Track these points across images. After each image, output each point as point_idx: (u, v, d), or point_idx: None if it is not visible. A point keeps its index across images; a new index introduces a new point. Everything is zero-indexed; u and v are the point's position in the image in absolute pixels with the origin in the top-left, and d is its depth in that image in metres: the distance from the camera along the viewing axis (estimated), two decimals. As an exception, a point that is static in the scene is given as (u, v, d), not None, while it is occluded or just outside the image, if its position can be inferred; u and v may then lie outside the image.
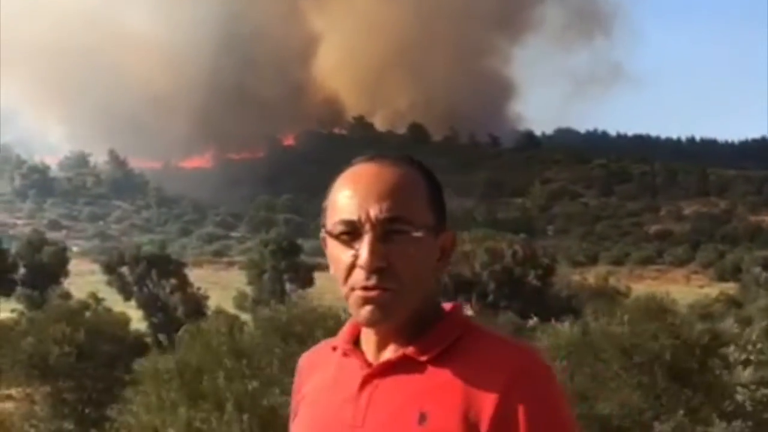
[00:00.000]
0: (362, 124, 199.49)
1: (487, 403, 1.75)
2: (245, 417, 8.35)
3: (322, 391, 1.89)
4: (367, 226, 1.79)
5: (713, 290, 65.79)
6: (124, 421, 13.30)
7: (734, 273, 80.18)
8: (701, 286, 79.35)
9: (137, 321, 36.15)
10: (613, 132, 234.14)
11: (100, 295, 44.57)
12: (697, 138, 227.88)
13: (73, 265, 62.66)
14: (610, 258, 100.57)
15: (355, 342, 1.91)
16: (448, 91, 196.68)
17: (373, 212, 1.80)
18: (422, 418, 1.76)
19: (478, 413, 1.75)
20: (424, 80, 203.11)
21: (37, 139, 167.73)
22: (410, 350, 1.83)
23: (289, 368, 13.26)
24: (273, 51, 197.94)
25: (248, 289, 52.11)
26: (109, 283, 50.76)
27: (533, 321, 28.65)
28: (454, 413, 1.75)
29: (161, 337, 37.86)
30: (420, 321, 1.83)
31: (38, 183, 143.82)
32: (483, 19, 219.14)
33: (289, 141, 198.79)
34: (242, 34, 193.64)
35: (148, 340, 30.41)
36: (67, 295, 43.84)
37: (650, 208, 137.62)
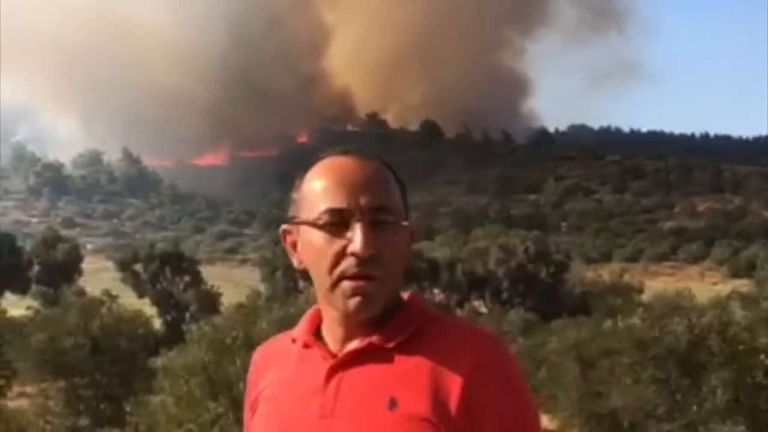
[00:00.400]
0: (375, 121, 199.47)
1: (455, 385, 1.79)
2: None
3: (284, 385, 1.89)
4: (358, 215, 1.80)
5: (727, 287, 65.53)
6: (149, 413, 13.38)
7: (748, 270, 79.84)
8: (715, 283, 79.13)
9: (151, 318, 36.25)
10: (626, 128, 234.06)
11: (114, 292, 44.69)
12: (711, 134, 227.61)
13: (87, 263, 62.90)
14: (624, 255, 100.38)
15: (316, 333, 1.92)
16: (461, 87, 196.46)
17: (363, 201, 1.81)
18: (392, 403, 1.80)
19: (447, 396, 1.79)
20: (437, 76, 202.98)
21: (50, 136, 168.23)
22: (376, 338, 1.84)
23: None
24: (285, 48, 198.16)
25: (261, 287, 52.18)
26: (123, 281, 50.87)
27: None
28: (424, 397, 1.79)
29: (174, 333, 38.00)
30: (384, 310, 1.86)
31: (52, 181, 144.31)
32: (496, 15, 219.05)
33: (302, 138, 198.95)
34: (255, 32, 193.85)
35: (162, 336, 30.52)
36: (81, 293, 44.04)
37: (664, 204, 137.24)
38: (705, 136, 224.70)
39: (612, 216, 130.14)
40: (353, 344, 1.85)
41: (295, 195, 1.91)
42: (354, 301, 1.80)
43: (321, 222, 1.82)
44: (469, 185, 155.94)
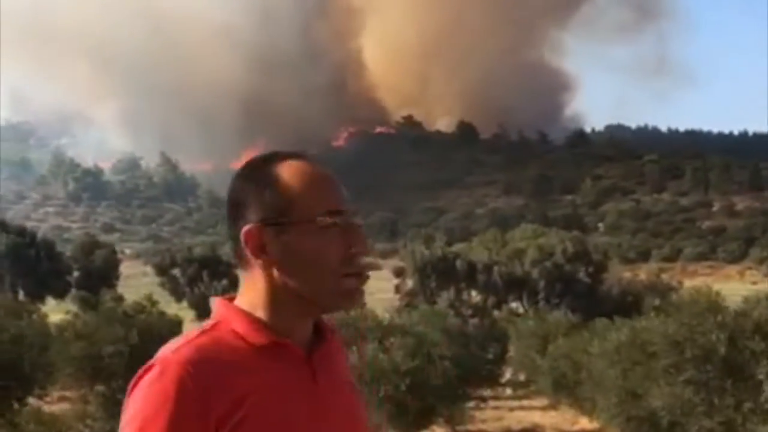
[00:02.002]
0: (410, 123, 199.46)
1: (346, 359, 2.05)
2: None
3: (270, 391, 1.83)
4: (354, 216, 1.91)
5: (767, 286, 64.90)
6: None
7: (789, 268, 79.11)
8: (755, 282, 78.39)
9: (189, 322, 36.47)
10: (664, 127, 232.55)
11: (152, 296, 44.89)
12: (750, 132, 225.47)
13: (126, 267, 63.38)
14: (663, 255, 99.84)
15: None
16: (496, 87, 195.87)
17: (349, 203, 1.92)
18: (353, 387, 2.01)
19: (350, 371, 2.04)
20: (472, 76, 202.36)
21: (90, 142, 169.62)
22: (335, 330, 1.99)
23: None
24: (319, 51, 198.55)
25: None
26: (162, 285, 51.21)
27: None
28: (351, 375, 2.03)
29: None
30: None
31: (91, 187, 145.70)
32: (531, 13, 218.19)
33: (338, 142, 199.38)
34: (290, 35, 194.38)
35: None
36: (119, 298, 44.32)
37: (703, 203, 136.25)
38: (743, 135, 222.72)
39: (650, 216, 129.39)
40: (305, 336, 1.91)
41: (265, 197, 1.87)
42: (357, 297, 1.89)
43: (327, 222, 1.85)
44: (506, 186, 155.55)
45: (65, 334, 16.86)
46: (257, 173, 1.91)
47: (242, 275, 1.92)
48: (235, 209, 1.91)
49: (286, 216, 1.86)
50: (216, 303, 1.93)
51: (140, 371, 1.80)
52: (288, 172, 1.88)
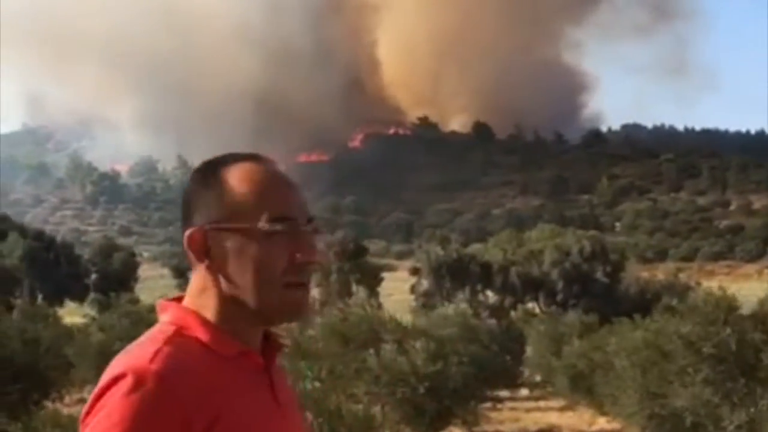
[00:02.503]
0: (426, 124, 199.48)
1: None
2: (309, 415, 8.41)
3: (245, 403, 1.77)
4: (303, 223, 1.81)
5: (787, 285, 64.53)
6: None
7: (808, 267, 78.70)
8: (774, 281, 77.99)
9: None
10: (681, 126, 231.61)
11: (170, 299, 44.94)
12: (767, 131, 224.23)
13: (144, 270, 63.59)
14: (680, 254, 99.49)
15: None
16: (511, 86, 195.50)
17: (304, 211, 1.83)
18: (297, 402, 1.98)
19: None
20: (487, 75, 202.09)
21: (107, 146, 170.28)
22: (277, 339, 1.91)
23: (349, 372, 13.34)
24: (334, 52, 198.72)
25: (315, 291, 52.38)
26: (179, 287, 51.36)
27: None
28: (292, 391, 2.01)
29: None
30: None
31: (109, 190, 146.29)
32: (546, 12, 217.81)
33: (354, 143, 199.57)
34: (303, 34, 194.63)
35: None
36: (136, 300, 44.44)
37: (720, 203, 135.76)
38: (761, 134, 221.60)
39: (667, 215, 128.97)
40: (258, 342, 1.85)
41: (213, 200, 1.80)
42: (302, 307, 1.81)
43: (270, 229, 1.77)
44: (522, 186, 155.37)
45: (88, 329, 16.94)
46: (207, 175, 1.83)
47: (192, 276, 1.85)
48: (184, 211, 1.84)
49: (229, 221, 1.78)
50: (165, 306, 1.83)
51: (107, 380, 1.67)
52: (236, 175, 1.80)
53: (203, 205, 1.81)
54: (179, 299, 1.85)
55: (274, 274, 1.76)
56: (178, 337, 1.75)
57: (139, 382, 1.64)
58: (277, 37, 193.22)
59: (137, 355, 1.69)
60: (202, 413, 1.68)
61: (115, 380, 1.65)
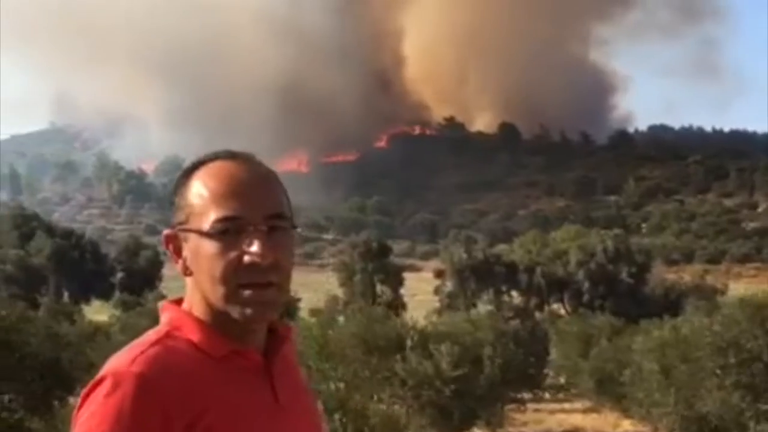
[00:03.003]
0: (452, 124, 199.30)
1: (298, 360, 1.99)
2: (336, 416, 8.39)
3: (229, 407, 1.76)
4: (254, 223, 1.76)
5: (815, 288, 63.97)
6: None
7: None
8: (802, 284, 77.34)
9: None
10: (708, 127, 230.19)
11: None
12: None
13: (169, 269, 63.73)
14: (707, 256, 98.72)
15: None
16: (537, 86, 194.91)
17: (259, 209, 1.77)
18: (309, 390, 1.97)
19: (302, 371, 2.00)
20: (513, 74, 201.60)
21: (134, 145, 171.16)
22: (290, 337, 1.91)
23: (373, 375, 13.32)
24: (360, 52, 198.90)
25: (339, 291, 52.38)
26: (204, 286, 51.46)
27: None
28: (303, 376, 2.00)
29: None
30: None
31: (135, 189, 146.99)
32: (574, 11, 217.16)
33: (380, 143, 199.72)
34: (332, 38, 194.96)
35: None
36: (163, 298, 44.90)
37: (748, 204, 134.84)
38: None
39: (694, 217, 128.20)
40: (260, 337, 1.84)
41: (179, 200, 1.82)
42: (253, 310, 1.75)
43: (214, 231, 1.75)
44: (548, 187, 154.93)
45: (111, 328, 17.01)
46: (182, 177, 1.85)
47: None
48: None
49: (188, 222, 1.79)
50: (165, 308, 1.85)
51: (91, 383, 1.71)
52: (201, 175, 1.81)
53: (176, 206, 1.82)
54: (181, 300, 1.86)
55: (225, 275, 1.74)
56: (169, 338, 1.77)
57: (117, 384, 1.67)
58: (303, 33, 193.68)
59: (122, 358, 1.72)
60: (182, 414, 1.69)
61: (97, 383, 1.69)
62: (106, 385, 1.68)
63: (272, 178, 1.85)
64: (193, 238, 1.78)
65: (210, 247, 1.76)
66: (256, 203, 1.78)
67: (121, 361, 1.71)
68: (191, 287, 1.82)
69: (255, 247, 1.74)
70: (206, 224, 1.76)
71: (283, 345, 1.88)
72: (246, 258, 1.74)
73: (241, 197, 1.77)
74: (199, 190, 1.80)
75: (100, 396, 1.67)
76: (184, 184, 1.83)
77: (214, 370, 1.76)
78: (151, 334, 1.79)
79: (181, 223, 1.80)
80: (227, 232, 1.75)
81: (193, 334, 1.78)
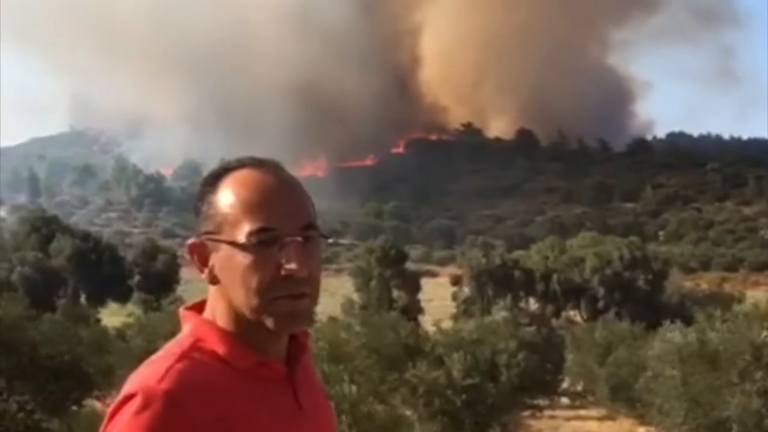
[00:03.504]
0: (470, 130, 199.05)
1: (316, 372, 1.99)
2: (344, 418, 8.43)
3: (257, 421, 1.75)
4: (290, 234, 1.76)
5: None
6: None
7: None
8: (820, 293, 76.84)
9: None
10: (727, 135, 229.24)
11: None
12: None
13: (186, 272, 63.95)
14: (724, 264, 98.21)
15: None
16: (555, 90, 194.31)
17: (294, 220, 1.77)
18: (325, 394, 1.96)
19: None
20: (530, 79, 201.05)
21: (152, 149, 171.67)
22: (308, 348, 1.91)
23: (380, 384, 13.35)
24: (377, 57, 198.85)
25: (356, 296, 52.41)
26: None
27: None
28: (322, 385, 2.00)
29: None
30: None
31: (153, 192, 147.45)
32: (593, 16, 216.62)
33: (398, 149, 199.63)
34: (350, 37, 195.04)
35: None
36: (180, 301, 44.86)
37: (766, 212, 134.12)
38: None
39: (712, 225, 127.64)
40: (282, 346, 1.85)
41: (206, 208, 1.81)
42: (292, 320, 1.76)
43: (250, 243, 1.74)
44: (565, 194, 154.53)
45: (127, 331, 17.09)
46: (208, 184, 1.83)
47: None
48: (196, 218, 1.85)
49: (219, 232, 1.78)
50: (187, 317, 1.85)
51: (120, 399, 1.69)
52: (230, 184, 1.79)
53: (202, 214, 1.82)
54: (201, 304, 1.86)
55: (261, 287, 1.74)
56: (194, 350, 1.76)
57: (147, 401, 1.66)
58: (322, 33, 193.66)
59: (149, 372, 1.72)
60: (212, 430, 1.69)
61: (126, 399, 1.68)
62: (135, 403, 1.67)
63: (300, 186, 1.84)
64: (225, 248, 1.77)
65: (244, 258, 1.74)
66: (290, 214, 1.78)
67: (150, 376, 1.70)
68: (216, 296, 1.81)
69: (293, 260, 1.73)
70: (240, 235, 1.74)
71: (304, 352, 1.88)
72: (283, 270, 1.73)
73: (274, 207, 1.77)
74: (229, 199, 1.78)
75: (129, 413, 1.66)
76: (212, 192, 1.81)
77: (239, 383, 1.76)
78: (175, 347, 1.78)
79: (210, 233, 1.79)
80: (262, 243, 1.74)
81: (219, 347, 1.77)
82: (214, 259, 1.79)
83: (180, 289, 58.53)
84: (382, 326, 15.85)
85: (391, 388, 13.38)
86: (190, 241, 1.83)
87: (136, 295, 56.03)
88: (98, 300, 54.35)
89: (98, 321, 29.86)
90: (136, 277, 59.83)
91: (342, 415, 8.24)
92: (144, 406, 1.66)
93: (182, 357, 1.74)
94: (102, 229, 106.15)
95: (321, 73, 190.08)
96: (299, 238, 1.76)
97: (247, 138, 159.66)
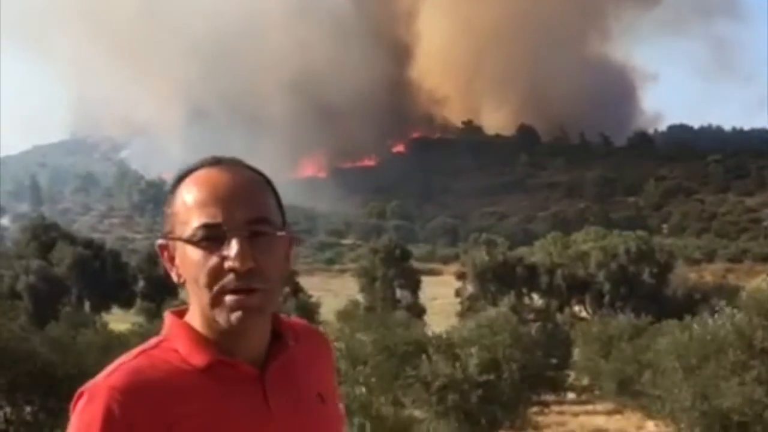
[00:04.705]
0: (471, 128, 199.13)
1: (330, 368, 2.01)
2: (356, 420, 8.39)
3: (207, 421, 1.74)
4: (234, 229, 1.76)
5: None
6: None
7: None
8: (825, 282, 76.59)
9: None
10: (728, 127, 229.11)
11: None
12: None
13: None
14: (728, 255, 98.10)
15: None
16: (556, 84, 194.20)
17: (239, 214, 1.78)
18: (321, 398, 1.90)
19: (331, 379, 2.00)
20: (531, 75, 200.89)
21: (153, 155, 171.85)
22: (291, 345, 1.89)
23: (393, 381, 13.31)
24: (377, 56, 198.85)
25: (360, 296, 52.39)
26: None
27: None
28: (331, 384, 1.98)
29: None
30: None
31: (155, 198, 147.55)
32: (593, 10, 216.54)
33: (398, 148, 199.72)
34: (346, 44, 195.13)
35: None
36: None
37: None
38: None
39: (715, 216, 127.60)
40: (258, 347, 1.84)
41: (167, 209, 1.85)
42: (236, 316, 1.75)
43: (196, 238, 1.77)
44: (568, 189, 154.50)
45: (127, 341, 17.07)
46: (172, 185, 1.88)
47: None
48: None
49: (173, 231, 1.82)
50: (166, 317, 1.88)
51: (75, 397, 1.74)
52: (186, 184, 1.83)
53: (165, 215, 1.86)
54: (184, 312, 1.88)
55: (208, 282, 1.75)
56: (157, 348, 1.80)
57: (91, 399, 1.71)
58: (322, 46, 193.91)
59: (104, 372, 1.76)
60: (151, 427, 1.70)
61: (78, 398, 1.74)
62: (84, 400, 1.72)
63: (258, 182, 1.85)
64: (179, 246, 1.81)
65: (193, 254, 1.78)
66: (236, 208, 1.78)
67: (103, 374, 1.75)
68: (189, 297, 1.84)
69: (234, 253, 1.74)
70: (188, 231, 1.79)
71: (286, 354, 1.87)
72: (226, 264, 1.75)
73: (221, 203, 1.78)
74: (182, 198, 1.82)
75: (78, 410, 1.72)
76: (172, 193, 1.86)
77: (195, 381, 1.76)
78: (140, 346, 1.82)
79: (168, 232, 1.84)
80: (209, 239, 1.77)
81: (180, 344, 1.80)
82: (177, 259, 1.83)
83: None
84: (393, 324, 15.86)
85: (404, 385, 13.35)
86: (158, 242, 1.87)
87: (140, 301, 55.99)
88: (102, 307, 54.33)
89: (105, 327, 29.83)
90: (140, 283, 59.76)
91: (354, 417, 8.20)
92: (87, 402, 1.70)
93: (139, 354, 1.78)
94: (104, 236, 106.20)
95: (320, 77, 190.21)
96: (245, 232, 1.76)
97: (249, 141, 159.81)
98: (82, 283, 55.78)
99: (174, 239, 1.82)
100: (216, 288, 1.75)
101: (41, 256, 56.53)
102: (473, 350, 14.32)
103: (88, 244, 61.12)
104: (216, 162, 1.85)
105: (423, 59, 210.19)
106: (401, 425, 9.24)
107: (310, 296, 49.58)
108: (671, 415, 14.89)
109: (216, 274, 1.75)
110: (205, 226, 1.77)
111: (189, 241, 1.78)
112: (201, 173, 1.83)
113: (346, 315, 41.75)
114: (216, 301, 1.76)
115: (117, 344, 17.73)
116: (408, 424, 9.36)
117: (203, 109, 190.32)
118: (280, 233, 1.83)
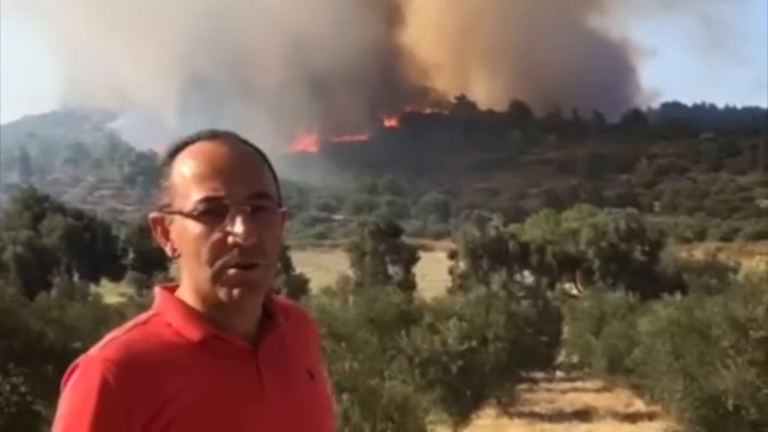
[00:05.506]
0: (464, 103, 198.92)
1: (316, 346, 1.97)
2: (345, 396, 8.29)
3: (201, 394, 1.71)
4: (237, 203, 1.73)
5: (828, 265, 63.54)
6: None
7: None
8: (816, 261, 76.84)
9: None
10: (721, 105, 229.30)
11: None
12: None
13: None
14: (720, 234, 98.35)
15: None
16: (549, 65, 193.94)
17: (241, 188, 1.74)
18: (311, 375, 1.88)
19: (319, 358, 1.96)
20: (524, 53, 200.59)
21: (144, 126, 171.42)
22: (281, 322, 1.85)
23: (384, 355, 13.23)
24: (369, 32, 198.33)
25: (350, 272, 52.33)
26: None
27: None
28: (318, 362, 1.94)
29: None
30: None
31: (146, 170, 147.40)
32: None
33: (391, 122, 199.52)
34: (339, 9, 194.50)
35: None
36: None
37: (761, 182, 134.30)
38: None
39: (707, 194, 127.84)
40: (250, 322, 1.80)
41: (164, 182, 1.78)
42: (239, 291, 1.72)
43: (197, 212, 1.73)
44: (560, 165, 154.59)
45: (117, 314, 16.97)
46: (166, 157, 1.82)
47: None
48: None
49: (172, 204, 1.77)
50: (156, 292, 1.84)
51: (69, 370, 1.71)
52: (183, 157, 1.78)
53: (160, 188, 1.81)
54: (175, 287, 1.85)
55: (210, 257, 1.72)
56: (150, 323, 1.77)
57: (85, 371, 1.68)
58: (315, 22, 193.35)
59: (98, 345, 1.72)
60: (147, 400, 1.67)
61: (72, 371, 1.71)
62: (77, 372, 1.68)
63: (256, 156, 1.82)
64: (178, 219, 1.76)
65: (194, 228, 1.74)
66: (238, 182, 1.74)
67: (97, 347, 1.71)
68: (182, 271, 1.79)
69: (238, 228, 1.71)
70: (189, 205, 1.74)
71: (276, 330, 1.84)
72: (230, 239, 1.71)
73: (222, 176, 1.74)
74: (180, 170, 1.77)
75: (72, 383, 1.68)
76: (167, 165, 1.80)
77: (189, 355, 1.73)
78: (133, 320, 1.78)
79: (165, 206, 1.78)
80: (210, 213, 1.72)
81: (173, 318, 1.76)
82: (173, 232, 1.78)
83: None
84: (376, 297, 15.79)
85: (389, 358, 13.29)
86: (151, 215, 1.81)
87: (129, 274, 55.93)
88: (92, 278, 54.26)
89: (98, 298, 29.77)
90: (130, 256, 59.67)
91: (342, 393, 8.12)
92: (81, 375, 1.68)
93: (132, 328, 1.75)
94: (95, 207, 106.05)
95: (312, 51, 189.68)
96: (247, 207, 1.73)
97: (240, 113, 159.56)
98: (71, 255, 55.68)
99: (172, 213, 1.77)
100: (219, 263, 1.72)
101: (32, 227, 56.43)
102: (451, 323, 14.27)
103: (79, 215, 60.99)
104: (213, 135, 1.81)
105: (416, 28, 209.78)
106: (395, 403, 9.14)
107: (300, 272, 49.65)
108: (661, 399, 14.83)
109: (219, 249, 1.72)
110: (207, 200, 1.73)
111: (190, 214, 1.74)
112: (199, 146, 1.80)
113: (332, 291, 41.71)
114: (218, 276, 1.72)
115: (114, 316, 17.61)
116: (399, 401, 9.28)
117: (196, 80, 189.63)
118: (279, 209, 1.81)
